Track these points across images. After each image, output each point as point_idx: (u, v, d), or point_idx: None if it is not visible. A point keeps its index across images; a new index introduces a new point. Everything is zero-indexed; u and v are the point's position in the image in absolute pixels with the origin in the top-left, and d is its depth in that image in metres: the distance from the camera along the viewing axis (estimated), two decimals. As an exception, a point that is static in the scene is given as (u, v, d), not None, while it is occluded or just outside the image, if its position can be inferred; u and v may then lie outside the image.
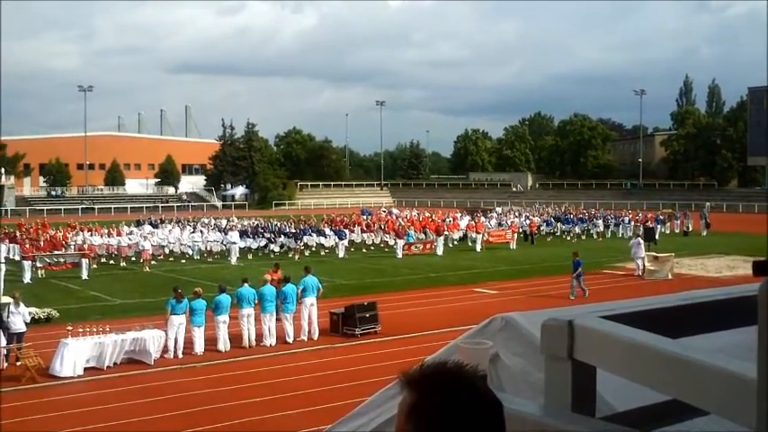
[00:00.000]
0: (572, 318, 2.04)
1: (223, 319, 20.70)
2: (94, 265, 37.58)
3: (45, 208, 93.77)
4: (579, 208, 69.94)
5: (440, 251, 44.45)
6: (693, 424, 1.99)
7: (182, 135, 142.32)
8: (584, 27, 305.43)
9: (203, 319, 20.48)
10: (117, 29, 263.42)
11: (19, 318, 19.61)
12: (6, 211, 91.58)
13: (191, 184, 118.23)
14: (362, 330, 22.14)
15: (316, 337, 22.06)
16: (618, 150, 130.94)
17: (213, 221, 54.07)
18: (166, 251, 43.22)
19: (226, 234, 44.78)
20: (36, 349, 18.76)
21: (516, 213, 65.34)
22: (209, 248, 43.61)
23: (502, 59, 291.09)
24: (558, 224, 56.52)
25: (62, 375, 17.96)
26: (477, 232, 47.73)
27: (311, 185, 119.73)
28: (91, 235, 43.70)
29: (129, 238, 42.87)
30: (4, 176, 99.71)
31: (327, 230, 46.99)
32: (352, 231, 49.10)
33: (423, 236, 47.65)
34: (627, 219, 57.65)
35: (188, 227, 49.81)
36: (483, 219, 54.17)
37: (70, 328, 19.19)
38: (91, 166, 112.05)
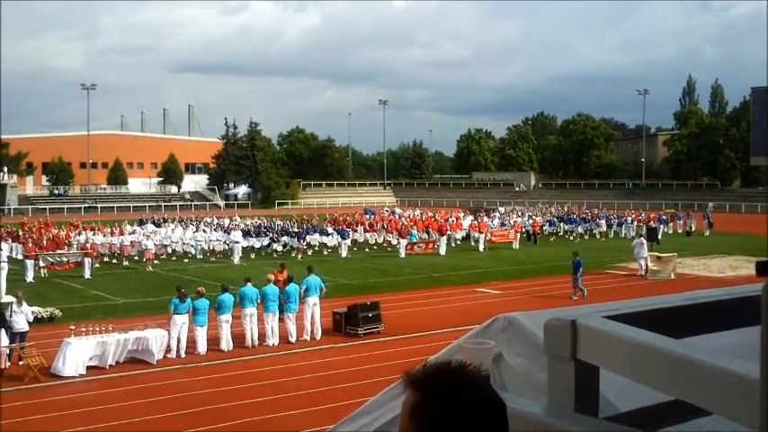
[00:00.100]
0: (575, 318, 2.04)
1: (226, 318, 20.71)
2: (97, 265, 37.61)
3: (48, 207, 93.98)
4: (582, 208, 69.94)
5: (443, 251, 44.43)
6: (696, 424, 1.99)
7: (185, 134, 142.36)
8: (587, 27, 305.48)
9: (206, 318, 20.49)
10: (120, 28, 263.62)
11: (22, 317, 19.64)
12: (9, 210, 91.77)
13: (193, 183, 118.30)
14: (365, 330, 22.15)
15: (318, 336, 22.06)
16: (621, 150, 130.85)
17: (216, 221, 54.11)
18: (169, 250, 43.25)
19: (229, 233, 44.81)
20: (39, 349, 18.78)
21: (519, 213, 65.34)
22: (211, 248, 43.63)
23: (505, 59, 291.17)
24: (561, 224, 56.48)
25: (64, 375, 17.97)
26: (480, 232, 47.71)
27: (314, 185, 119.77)
28: (94, 234, 43.72)
29: (132, 238, 42.87)
30: (6, 175, 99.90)
31: (330, 230, 46.99)
32: (355, 231, 49.11)
33: (425, 235, 47.62)
34: (630, 219, 57.63)
35: (191, 226, 49.87)
36: (486, 218, 54.18)
37: (73, 327, 19.20)
38: (94, 165, 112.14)
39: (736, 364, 1.64)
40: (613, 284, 31.94)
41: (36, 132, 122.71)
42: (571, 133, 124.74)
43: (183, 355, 19.99)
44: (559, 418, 1.92)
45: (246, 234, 45.26)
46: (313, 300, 22.17)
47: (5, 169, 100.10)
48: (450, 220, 53.20)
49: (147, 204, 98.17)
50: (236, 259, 40.97)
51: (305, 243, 44.62)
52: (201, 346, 20.34)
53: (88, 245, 38.75)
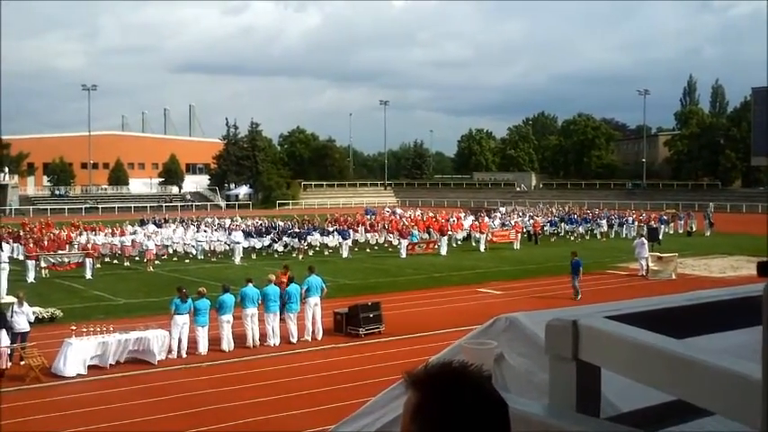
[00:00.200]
0: (576, 318, 2.04)
1: (227, 318, 20.71)
2: (98, 265, 37.62)
3: (49, 207, 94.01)
4: (583, 208, 69.97)
5: (443, 251, 44.43)
6: (698, 424, 1.99)
7: (185, 134, 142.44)
8: (588, 27, 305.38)
9: (207, 318, 20.49)
10: (121, 28, 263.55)
11: (23, 317, 19.65)
12: (10, 210, 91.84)
13: (194, 183, 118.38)
14: (366, 330, 22.14)
15: (319, 337, 22.06)
16: (621, 150, 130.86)
17: (217, 221, 54.11)
18: (170, 251, 43.25)
19: (230, 234, 44.84)
20: (40, 349, 18.78)
21: (520, 213, 65.36)
22: (212, 248, 43.64)
23: (506, 59, 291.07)
24: (562, 224, 56.47)
25: (65, 375, 17.97)
26: (481, 232, 47.72)
27: (315, 185, 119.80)
28: (95, 234, 43.76)
29: (133, 238, 42.87)
30: (7, 176, 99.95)
31: (331, 230, 47.00)
32: (356, 231, 49.10)
33: (426, 236, 47.62)
34: (630, 219, 57.64)
35: (192, 226, 49.90)
36: (487, 219, 54.18)
37: (74, 327, 19.22)
38: (95, 166, 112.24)
39: (738, 365, 1.64)
40: (614, 285, 31.93)
41: (37, 133, 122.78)
42: (572, 133, 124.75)
43: (185, 355, 19.99)
44: (561, 419, 1.92)
45: (247, 234, 45.27)
46: (314, 300, 22.17)
47: (6, 170, 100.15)
48: (451, 220, 53.20)
49: (148, 205, 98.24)
50: (237, 260, 40.97)
51: (306, 243, 44.62)
52: (203, 347, 20.34)
53: (89, 245, 38.77)
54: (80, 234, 43.77)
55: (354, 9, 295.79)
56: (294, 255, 42.48)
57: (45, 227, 48.45)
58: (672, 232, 56.55)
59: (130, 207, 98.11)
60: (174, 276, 34.15)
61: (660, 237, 48.15)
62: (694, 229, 56.98)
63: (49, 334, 20.82)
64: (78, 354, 18.35)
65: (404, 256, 42.71)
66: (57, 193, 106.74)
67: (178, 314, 20.04)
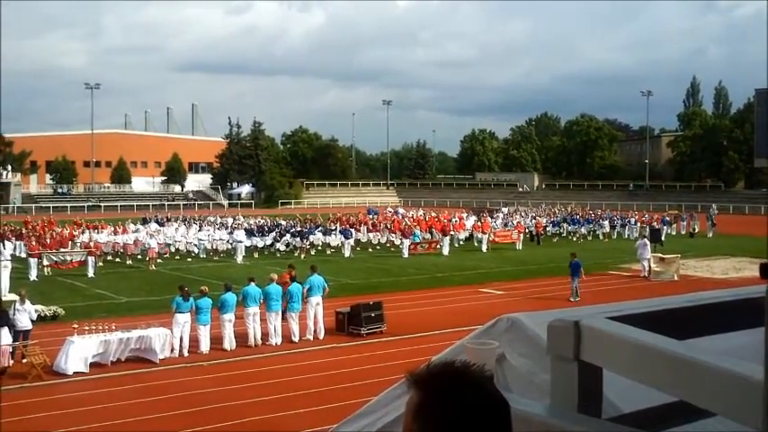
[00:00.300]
0: (578, 318, 2.04)
1: (229, 317, 20.72)
2: (100, 263, 37.66)
3: (51, 205, 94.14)
4: (585, 209, 69.87)
5: (446, 251, 44.43)
6: (700, 425, 1.99)
7: (188, 133, 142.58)
8: (591, 27, 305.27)
9: (209, 317, 20.49)
10: (124, 27, 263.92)
11: (25, 315, 19.67)
12: (13, 208, 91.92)
13: (197, 182, 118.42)
14: (368, 330, 22.15)
15: (321, 336, 22.07)
16: (624, 151, 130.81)
17: (219, 220, 54.14)
18: (172, 249, 43.27)
19: (232, 233, 44.86)
20: (42, 347, 18.79)
21: (522, 214, 65.32)
22: (215, 247, 43.68)
23: (509, 60, 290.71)
24: (565, 225, 56.44)
25: (67, 373, 18.00)
26: (483, 232, 47.70)
27: (317, 184, 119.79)
28: (97, 233, 43.79)
29: (136, 237, 42.91)
30: (10, 174, 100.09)
31: (333, 229, 47.01)
32: (359, 231, 49.08)
33: (429, 236, 47.62)
34: (633, 220, 57.61)
35: (194, 225, 49.92)
36: (489, 219, 54.13)
37: (76, 325, 19.26)
38: (97, 164, 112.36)
39: (740, 366, 1.64)
40: (616, 285, 31.91)
41: (40, 131, 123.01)
42: (575, 134, 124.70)
43: (186, 354, 20.00)
44: (562, 419, 1.92)
45: (250, 233, 45.29)
46: (316, 299, 22.18)
47: (9, 168, 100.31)
48: (454, 220, 53.15)
49: (151, 203, 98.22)
50: (240, 258, 40.99)
51: (308, 243, 44.62)
52: (204, 345, 20.35)
53: (92, 243, 38.79)
54: (82, 232, 43.81)
55: (357, 9, 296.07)
56: (296, 254, 42.48)
57: (47, 225, 48.48)
58: (674, 233, 56.50)
59: (133, 205, 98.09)
60: (177, 275, 34.16)
61: (662, 238, 48.14)
62: (697, 231, 56.94)
63: (51, 332, 20.84)
64: (80, 352, 18.37)
65: (406, 255, 42.71)
66: (59, 191, 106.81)
67: (179, 313, 20.05)
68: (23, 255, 38.10)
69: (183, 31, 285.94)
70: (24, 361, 18.30)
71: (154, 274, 35.96)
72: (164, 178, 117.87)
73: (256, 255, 42.95)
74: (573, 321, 2.02)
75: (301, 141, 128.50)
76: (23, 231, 44.84)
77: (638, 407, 2.13)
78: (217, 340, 20.64)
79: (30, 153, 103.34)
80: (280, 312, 21.56)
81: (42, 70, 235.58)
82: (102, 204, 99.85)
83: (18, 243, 40.93)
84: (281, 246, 44.55)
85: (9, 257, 32.27)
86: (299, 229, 46.54)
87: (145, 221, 54.81)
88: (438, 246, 45.10)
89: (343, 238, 44.87)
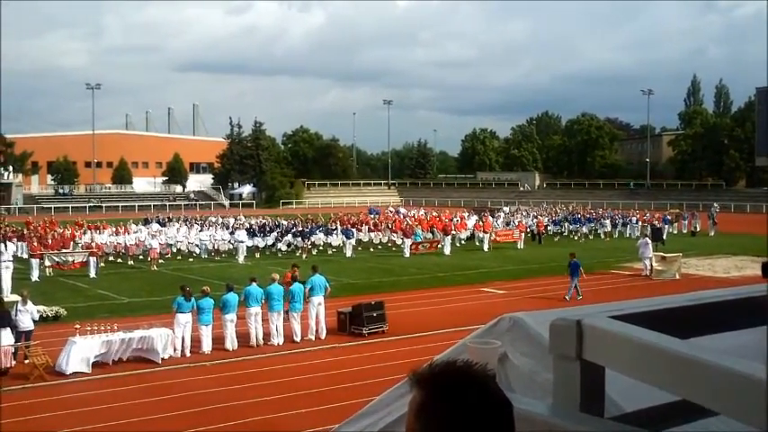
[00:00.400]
0: (580, 317, 2.04)
1: (230, 317, 20.72)
2: (102, 264, 37.66)
3: (53, 206, 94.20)
4: (587, 208, 69.84)
5: (447, 251, 44.42)
6: (702, 424, 1.99)
7: (189, 133, 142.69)
8: (591, 27, 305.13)
9: (211, 317, 20.50)
10: (125, 27, 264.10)
11: (27, 316, 19.68)
12: (14, 208, 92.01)
13: (198, 182, 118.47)
14: (370, 330, 22.15)
15: (323, 336, 22.08)
16: (625, 150, 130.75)
17: (221, 220, 54.10)
18: (174, 250, 43.27)
19: (233, 233, 44.86)
20: (44, 347, 18.81)
21: (523, 213, 65.29)
22: (216, 247, 43.69)
23: (509, 59, 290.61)
24: (566, 224, 56.42)
25: (69, 373, 18.01)
26: (485, 232, 47.68)
27: (318, 184, 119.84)
28: (98, 233, 43.80)
29: (137, 237, 42.93)
30: (12, 174, 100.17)
31: (335, 229, 47.01)
32: (360, 230, 49.07)
33: (430, 235, 47.64)
34: (634, 219, 57.56)
35: (195, 225, 49.91)
36: (490, 218, 54.09)
37: (78, 326, 19.26)
38: (99, 165, 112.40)
39: (743, 365, 1.64)
40: (618, 284, 31.91)
41: (41, 132, 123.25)
42: (576, 133, 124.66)
43: (188, 354, 20.01)
44: (565, 418, 1.92)
45: (251, 233, 45.31)
46: (318, 299, 22.19)
47: (11, 168, 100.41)
48: (455, 219, 53.15)
49: (152, 204, 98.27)
50: (241, 259, 41.01)
51: (309, 242, 44.63)
52: (206, 345, 20.36)
53: (93, 244, 38.81)
54: (84, 233, 43.84)
55: (358, 9, 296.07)
56: (298, 254, 42.48)
57: (49, 225, 48.48)
58: (676, 232, 56.49)
59: (134, 206, 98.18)
60: (178, 275, 34.17)
61: (664, 237, 48.16)
62: (698, 229, 56.92)
63: (53, 332, 20.85)
64: (82, 352, 18.39)
65: (407, 255, 42.72)
66: (61, 191, 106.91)
67: (181, 313, 20.06)
68: (25, 255, 38.13)
69: (184, 31, 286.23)
70: (26, 362, 18.31)
71: (155, 275, 35.97)
72: (165, 178, 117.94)
73: (258, 255, 42.95)
74: (575, 320, 2.02)
75: (302, 141, 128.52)
76: (25, 232, 44.84)
77: (641, 406, 2.13)
78: (218, 340, 20.66)
79: (31, 154, 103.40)
80: (282, 312, 21.56)
81: (43, 70, 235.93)
82: (103, 205, 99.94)
83: (20, 244, 40.95)
84: (282, 246, 44.56)
85: (11, 258, 32.28)
86: (300, 229, 46.54)
87: (146, 222, 54.83)
88: (439, 245, 45.09)
89: (344, 238, 44.88)
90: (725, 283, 30.43)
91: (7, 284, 29.95)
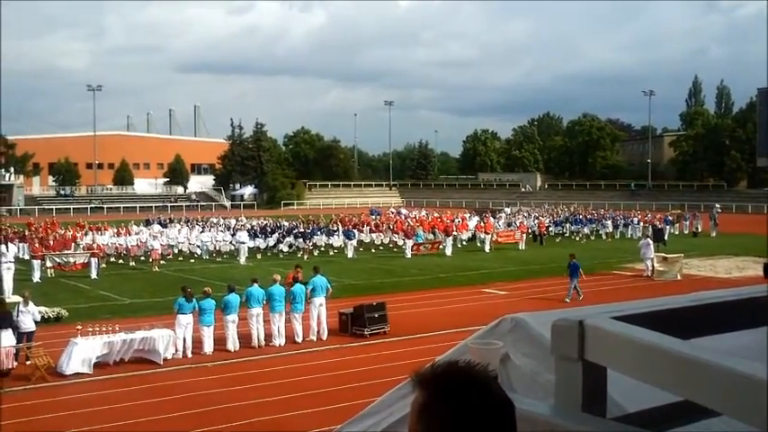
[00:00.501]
0: (582, 318, 2.04)
1: (232, 318, 20.73)
2: (104, 265, 37.67)
3: (54, 207, 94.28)
4: (588, 208, 69.83)
5: (448, 251, 44.41)
6: (704, 425, 1.99)
7: (190, 135, 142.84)
8: (593, 27, 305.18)
9: (212, 318, 20.51)
10: (126, 28, 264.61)
11: (28, 317, 19.70)
12: (16, 210, 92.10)
13: (199, 183, 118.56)
14: (371, 330, 22.15)
15: (325, 337, 22.07)
16: (627, 151, 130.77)
17: (222, 221, 54.13)
18: (175, 251, 43.31)
19: (235, 234, 44.86)
20: (45, 348, 18.83)
21: (525, 214, 65.27)
22: (218, 248, 43.72)
23: (511, 59, 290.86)
24: (567, 225, 56.41)
25: (71, 374, 18.02)
26: (486, 233, 47.68)
27: (320, 185, 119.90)
28: (100, 234, 43.82)
29: (139, 238, 42.96)
30: (13, 176, 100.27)
31: (336, 230, 47.02)
32: (361, 231, 49.09)
33: (431, 236, 47.65)
34: (636, 219, 57.54)
35: (197, 226, 49.93)
36: (492, 219, 54.12)
37: (79, 327, 19.26)
38: (100, 166, 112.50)
39: (745, 365, 1.64)
40: (620, 285, 31.88)
41: (42, 133, 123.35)
42: (577, 134, 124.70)
43: (190, 355, 20.02)
44: (567, 419, 1.92)
45: (252, 235, 45.33)
46: (319, 300, 22.20)
47: (12, 170, 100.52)
48: (456, 220, 53.16)
49: (154, 205, 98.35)
50: (243, 260, 41.03)
51: (311, 243, 44.65)
52: (208, 346, 20.37)
53: (95, 245, 38.83)
54: (85, 234, 43.88)
55: (359, 9, 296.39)
56: (299, 255, 42.48)
57: (50, 227, 48.55)
58: (677, 233, 56.46)
59: (135, 207, 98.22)
60: (180, 276, 34.19)
61: (665, 237, 48.16)
62: (700, 230, 56.90)
63: (55, 333, 20.87)
64: (84, 353, 18.40)
65: (409, 256, 42.72)
66: (62, 193, 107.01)
67: (182, 314, 20.07)
68: (27, 256, 38.17)
69: (185, 32, 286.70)
70: (28, 363, 18.33)
71: (157, 276, 35.99)
72: (166, 180, 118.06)
73: (259, 256, 42.97)
74: (577, 321, 2.02)
75: (303, 142, 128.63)
76: (26, 233, 44.89)
77: (643, 406, 2.13)
78: (220, 341, 20.67)
79: (32, 155, 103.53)
80: (283, 313, 21.56)
81: (44, 71, 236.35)
82: (104, 206, 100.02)
83: (21, 245, 40.98)
84: (283, 247, 44.59)
85: (12, 259, 32.30)
86: (301, 230, 46.56)
87: (148, 223, 54.86)
88: (441, 246, 45.08)
89: (345, 239, 44.88)
90: (726, 284, 30.40)
91: (9, 285, 29.96)
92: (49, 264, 35.66)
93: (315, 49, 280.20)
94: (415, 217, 58.39)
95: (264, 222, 51.72)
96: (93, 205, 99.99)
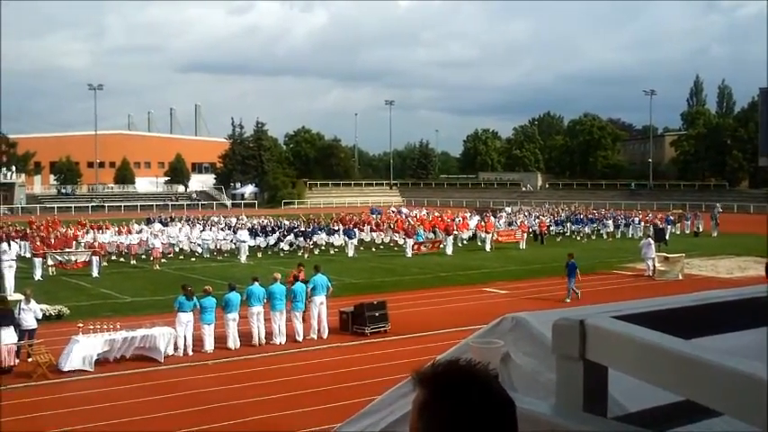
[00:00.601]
0: (583, 317, 2.04)
1: (233, 317, 20.74)
2: (105, 263, 37.69)
3: (55, 206, 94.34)
4: (589, 208, 69.78)
5: (449, 251, 44.41)
6: (706, 425, 1.99)
7: (191, 134, 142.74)
8: (593, 27, 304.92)
9: (213, 316, 20.53)
10: (127, 28, 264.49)
11: (30, 315, 19.73)
12: (17, 208, 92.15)
13: (200, 182, 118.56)
14: (372, 329, 22.16)
15: (325, 335, 22.08)
16: (628, 150, 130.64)
17: (223, 220, 54.13)
18: (176, 249, 43.33)
19: (235, 232, 44.88)
20: (47, 346, 18.84)
21: (526, 213, 65.25)
22: (218, 247, 43.74)
23: (512, 59, 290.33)
24: (568, 224, 56.40)
25: (72, 372, 18.04)
26: (487, 232, 47.68)
27: (320, 184, 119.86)
28: (101, 233, 43.84)
29: (140, 237, 42.98)
30: (15, 174, 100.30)
31: (337, 229, 47.02)
32: (362, 230, 49.09)
33: (432, 235, 47.64)
34: (637, 219, 57.51)
35: (198, 225, 49.96)
36: (492, 218, 54.11)
37: (81, 325, 19.28)
38: (101, 165, 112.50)
39: (746, 365, 1.64)
40: (621, 285, 31.88)
41: (44, 132, 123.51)
42: (578, 133, 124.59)
43: (191, 353, 20.04)
44: (568, 418, 1.92)
45: (253, 233, 45.34)
46: (320, 299, 22.20)
47: (14, 168, 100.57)
48: (457, 219, 53.15)
49: (155, 203, 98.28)
50: (243, 258, 41.04)
51: (312, 242, 44.66)
52: (209, 345, 20.39)
53: (96, 243, 38.85)
54: (87, 232, 43.91)
55: (359, 9, 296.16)
56: (300, 254, 42.50)
57: (52, 225, 48.58)
58: (678, 233, 56.42)
59: (137, 206, 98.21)
60: (180, 275, 34.19)
61: (667, 237, 48.14)
62: (701, 230, 56.88)
63: (57, 331, 20.89)
64: (85, 351, 18.42)
65: (409, 255, 42.72)
66: (63, 191, 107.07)
67: (182, 312, 20.08)
68: (28, 255, 38.15)
69: (186, 32, 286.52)
70: (30, 360, 18.38)
71: (158, 274, 36.01)
72: (167, 179, 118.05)
73: (260, 254, 42.99)
74: (578, 320, 2.02)
75: (304, 141, 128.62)
76: (28, 232, 44.91)
77: (644, 406, 2.13)
78: (221, 339, 20.68)
79: (34, 154, 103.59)
80: (284, 312, 21.57)
81: (45, 71, 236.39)
82: (105, 205, 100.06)
83: (23, 243, 40.92)
84: (284, 245, 44.61)
85: (14, 257, 32.30)
86: (302, 228, 46.58)
87: (149, 222, 54.87)
88: (441, 245, 45.07)
89: (346, 238, 44.89)
90: (728, 284, 30.39)
91: (10, 283, 30.06)
92: (50, 262, 35.66)
93: (316, 49, 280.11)
94: (415, 216, 58.39)
95: (265, 221, 51.73)
96: (94, 204, 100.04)
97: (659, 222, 53.80)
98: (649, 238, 37.75)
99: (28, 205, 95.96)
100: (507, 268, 37.63)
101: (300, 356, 20.14)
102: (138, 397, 16.44)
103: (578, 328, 2.00)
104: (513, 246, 46.92)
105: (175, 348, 19.86)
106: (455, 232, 48.21)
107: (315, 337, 21.94)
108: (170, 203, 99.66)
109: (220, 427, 14.57)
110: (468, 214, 58.74)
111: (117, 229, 45.76)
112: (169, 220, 57.52)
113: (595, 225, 56.59)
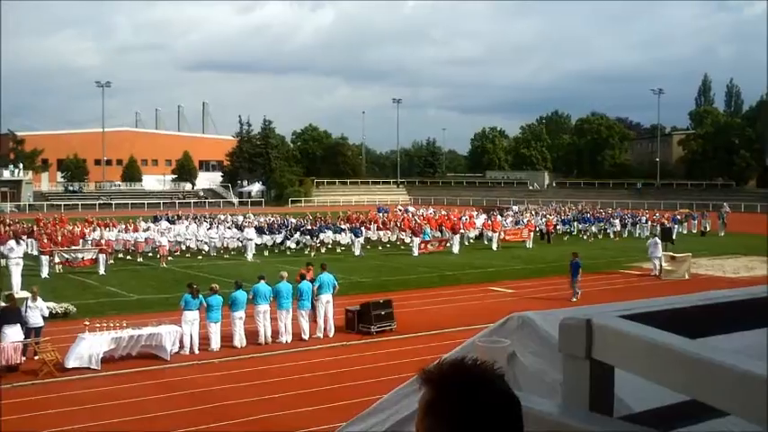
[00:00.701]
0: (590, 317, 2.03)
1: (239, 315, 20.76)
2: (111, 261, 37.76)
3: (62, 203, 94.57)
4: (596, 207, 69.69)
5: (456, 249, 44.39)
6: (712, 424, 1.98)
7: (199, 131, 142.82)
8: (601, 25, 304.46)
9: (220, 315, 20.54)
10: (135, 26, 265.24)
11: (37, 312, 19.77)
12: (24, 206, 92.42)
13: (207, 180, 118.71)
14: (378, 328, 22.15)
15: (331, 334, 22.09)
16: (635, 150, 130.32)
17: (230, 218, 54.16)
18: (183, 247, 43.39)
19: (242, 230, 44.90)
20: (54, 344, 18.87)
21: (533, 212, 65.18)
22: (225, 245, 43.75)
23: (519, 58, 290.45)
24: (575, 223, 56.31)
25: (78, 370, 18.07)
26: (494, 231, 47.63)
27: (327, 182, 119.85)
28: (108, 230, 43.90)
29: (147, 234, 43.05)
30: (22, 172, 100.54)
31: (343, 228, 47.03)
32: (368, 229, 49.06)
33: (439, 234, 47.59)
34: (644, 218, 57.40)
35: (204, 223, 50.01)
36: (499, 217, 54.04)
37: (87, 323, 19.32)
38: (108, 162, 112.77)
39: (752, 365, 1.64)
40: (627, 284, 31.82)
41: (51, 129, 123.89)
42: (585, 132, 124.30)
43: (197, 351, 20.07)
44: (574, 418, 1.92)
45: (260, 231, 45.37)
46: (326, 297, 22.19)
47: (21, 165, 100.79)
48: (464, 218, 53.03)
49: (162, 201, 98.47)
50: (250, 256, 41.07)
51: (318, 241, 44.66)
52: (215, 343, 20.40)
53: (103, 241, 38.93)
54: (93, 230, 43.94)
55: (367, 7, 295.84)
56: (306, 252, 42.53)
57: (59, 223, 48.64)
58: (685, 232, 56.33)
59: (144, 203, 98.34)
60: (187, 273, 34.21)
61: (674, 236, 47.98)
62: (708, 229, 56.74)
63: (63, 329, 20.93)
64: (91, 349, 18.45)
65: (416, 254, 42.69)
66: (70, 189, 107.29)
67: (188, 310, 20.09)
68: (35, 252, 38.24)
69: (193, 30, 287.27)
70: (36, 358, 18.40)
71: (164, 272, 36.06)
72: (174, 176, 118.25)
73: (266, 253, 43.02)
74: (585, 320, 2.01)
75: (311, 139, 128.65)
76: (35, 229, 44.95)
77: (650, 405, 2.12)
78: (227, 338, 20.69)
79: (41, 151, 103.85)
80: (290, 310, 21.58)
81: (53, 69, 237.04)
82: (113, 202, 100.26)
83: (30, 241, 41.03)
84: (291, 244, 44.63)
85: (21, 255, 32.37)
86: (309, 227, 46.60)
87: (156, 219, 54.89)
88: (448, 244, 45.04)
89: (353, 237, 44.88)
90: (735, 284, 30.32)
91: (17, 281, 30.12)
92: (57, 259, 35.72)
93: (323, 48, 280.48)
94: (422, 215, 58.33)
95: (272, 219, 51.78)
96: (101, 201, 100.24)
97: (666, 222, 53.58)
98: (656, 238, 37.67)
99: (35, 203, 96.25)
100: (514, 267, 37.59)
101: (306, 355, 20.16)
102: (144, 395, 16.47)
103: (585, 328, 2.00)
104: (519, 245, 46.87)
105: (181, 346, 19.90)
106: (462, 231, 48.17)
107: (321, 335, 21.95)
108: (177, 201, 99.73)
109: (226, 425, 14.59)
110: (474, 213, 58.63)
111: (124, 226, 45.82)
112: (176, 217, 57.54)
113: (602, 224, 56.49)
